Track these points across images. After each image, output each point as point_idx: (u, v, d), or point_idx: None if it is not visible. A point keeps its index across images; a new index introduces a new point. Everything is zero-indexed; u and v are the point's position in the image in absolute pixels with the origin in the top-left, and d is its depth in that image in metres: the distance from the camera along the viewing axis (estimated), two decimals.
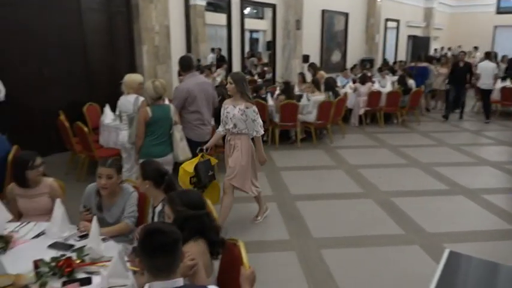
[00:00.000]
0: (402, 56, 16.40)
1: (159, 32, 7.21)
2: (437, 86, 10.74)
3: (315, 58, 11.31)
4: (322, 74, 8.77)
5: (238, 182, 3.84)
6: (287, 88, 7.29)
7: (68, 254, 2.17)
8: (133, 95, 4.50)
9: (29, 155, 2.84)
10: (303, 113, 7.20)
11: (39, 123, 6.01)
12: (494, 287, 1.98)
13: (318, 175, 5.77)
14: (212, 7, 9.08)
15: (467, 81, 9.33)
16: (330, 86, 7.79)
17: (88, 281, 1.98)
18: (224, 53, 9.70)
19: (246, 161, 3.82)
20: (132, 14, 7.13)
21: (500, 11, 20.16)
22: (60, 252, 2.19)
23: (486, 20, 20.05)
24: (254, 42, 12.41)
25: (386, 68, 11.39)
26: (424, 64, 10.63)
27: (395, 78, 10.11)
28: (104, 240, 2.34)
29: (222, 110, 3.85)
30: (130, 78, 4.64)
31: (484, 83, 9.35)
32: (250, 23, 10.58)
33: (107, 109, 5.79)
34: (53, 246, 2.31)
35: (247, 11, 9.78)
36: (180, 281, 1.59)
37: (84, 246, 2.22)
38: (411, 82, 9.38)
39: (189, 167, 3.72)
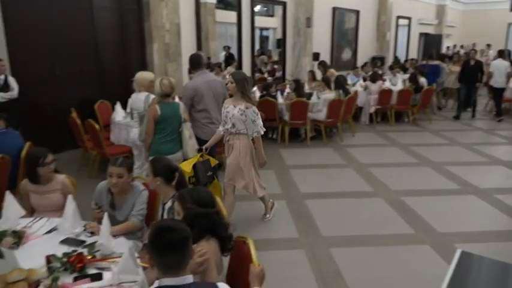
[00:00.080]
0: (414, 54, 16.23)
1: (170, 30, 7.24)
2: (449, 84, 10.61)
3: (325, 56, 11.26)
4: (332, 72, 8.72)
5: (239, 183, 3.79)
6: (297, 86, 7.29)
7: (79, 249, 2.19)
8: (144, 92, 4.52)
9: (41, 151, 2.87)
10: (313, 111, 7.18)
11: (51, 121, 6.09)
12: (506, 287, 1.96)
13: (328, 173, 5.75)
14: (222, 5, 9.08)
15: (478, 79, 9.21)
16: (340, 84, 7.75)
17: (99, 276, 2.00)
18: (234, 50, 9.70)
19: (245, 161, 3.74)
20: (143, 12, 7.17)
21: None
22: (72, 248, 2.22)
23: (500, 18, 19.71)
24: (264, 40, 12.39)
25: (398, 66, 11.28)
26: (436, 62, 10.51)
27: (407, 76, 10.02)
28: (114, 236, 2.36)
29: (223, 109, 3.79)
30: (142, 76, 4.67)
31: (496, 81, 9.22)
32: (261, 21, 10.57)
33: (118, 106, 5.85)
34: (65, 241, 2.34)
35: (257, 8, 9.77)
36: (189, 278, 1.60)
37: (95, 242, 2.24)
38: (423, 80, 9.29)
39: (187, 167, 3.66)
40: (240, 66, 9.28)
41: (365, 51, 13.39)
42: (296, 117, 6.96)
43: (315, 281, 3.18)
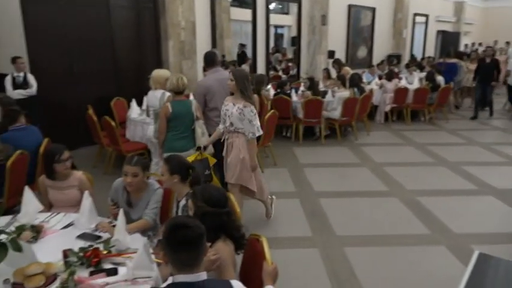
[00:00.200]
0: (431, 51, 15.97)
1: (185, 27, 7.28)
2: (467, 83, 10.42)
3: (340, 54, 11.17)
4: (348, 70, 8.66)
5: (243, 179, 3.67)
6: (312, 84, 7.26)
7: (95, 244, 2.22)
8: (160, 90, 4.56)
9: (57, 148, 2.90)
10: (328, 109, 7.14)
11: (68, 117, 6.19)
12: None
13: (342, 172, 5.71)
14: (237, 2, 9.09)
15: (494, 78, 9.00)
16: (355, 82, 7.68)
17: (114, 271, 2.03)
18: (249, 48, 9.70)
19: (247, 158, 3.63)
20: (158, 10, 7.22)
21: None
22: (88, 243, 2.25)
23: None
24: (279, 37, 12.35)
25: (414, 64, 11.13)
26: (454, 60, 10.33)
27: (423, 74, 9.87)
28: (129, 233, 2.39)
29: (223, 106, 3.72)
30: (158, 73, 4.70)
31: None
32: (275, 19, 10.53)
33: (134, 104, 5.91)
34: (81, 236, 2.38)
35: (272, 6, 9.74)
36: (203, 275, 1.61)
37: (111, 237, 2.27)
38: (440, 79, 9.14)
39: None
40: (254, 64, 9.28)
41: (381, 49, 13.23)
42: (310, 115, 6.92)
43: (328, 280, 3.17)
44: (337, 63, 9.12)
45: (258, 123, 3.63)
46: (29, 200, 2.61)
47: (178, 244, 1.58)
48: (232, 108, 3.58)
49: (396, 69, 10.26)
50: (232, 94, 3.70)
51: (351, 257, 3.47)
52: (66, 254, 2.08)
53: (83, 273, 1.98)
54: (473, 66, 10.23)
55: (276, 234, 3.81)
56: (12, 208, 3.36)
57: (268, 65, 9.81)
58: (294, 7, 10.39)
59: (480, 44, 18.41)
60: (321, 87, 7.92)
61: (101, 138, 5.48)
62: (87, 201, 2.59)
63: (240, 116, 3.53)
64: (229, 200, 2.27)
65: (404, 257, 3.51)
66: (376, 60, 12.46)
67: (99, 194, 3.00)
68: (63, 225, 2.55)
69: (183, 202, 2.58)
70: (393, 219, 4.23)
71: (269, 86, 7.88)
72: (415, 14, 14.54)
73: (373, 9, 12.60)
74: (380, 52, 13.15)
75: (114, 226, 2.38)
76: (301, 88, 7.86)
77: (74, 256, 2.06)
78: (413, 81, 9.35)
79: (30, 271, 1.87)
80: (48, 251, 2.14)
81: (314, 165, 5.96)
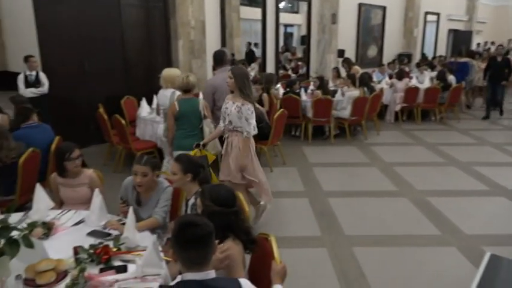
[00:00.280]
0: (442, 50, 15.81)
1: (195, 26, 7.30)
2: (479, 82, 10.29)
3: (350, 53, 11.11)
4: (357, 69, 8.60)
5: (249, 173, 3.65)
6: (321, 83, 7.24)
7: (105, 242, 2.24)
8: (170, 89, 4.58)
9: (68, 146, 2.92)
10: (337, 108, 7.11)
11: (79, 115, 6.25)
12: None
13: (352, 172, 5.69)
14: (247, 1, 9.09)
15: (505, 77, 8.87)
16: (365, 81, 7.64)
17: (124, 268, 2.04)
18: (258, 47, 9.69)
19: (247, 157, 3.62)
20: (168, 10, 7.25)
21: None
22: (98, 240, 2.27)
23: None
24: (288, 36, 12.33)
25: (425, 63, 11.02)
26: (465, 59, 10.20)
27: (434, 73, 9.77)
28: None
29: (223, 104, 3.72)
30: (168, 72, 4.73)
31: None
32: (285, 17, 10.51)
33: (144, 102, 5.94)
34: (92, 234, 2.40)
35: (282, 5, 9.72)
36: (212, 273, 1.61)
37: (121, 235, 2.29)
38: (451, 78, 9.03)
39: None
40: (264, 63, 9.27)
41: (391, 48, 13.13)
42: (320, 114, 6.90)
43: (337, 280, 3.16)
44: (347, 62, 9.07)
45: (255, 123, 3.60)
46: (41, 197, 2.65)
47: (187, 242, 1.58)
48: (231, 106, 3.57)
49: (407, 69, 10.16)
50: (232, 92, 3.70)
51: (360, 257, 3.46)
52: (76, 250, 2.11)
53: (93, 270, 2.00)
54: (484, 65, 10.10)
55: (285, 234, 3.80)
56: (24, 205, 3.42)
57: (278, 64, 9.80)
58: (303, 6, 10.36)
59: (492, 43, 18.18)
60: (331, 86, 7.89)
61: (111, 137, 5.53)
62: (97, 198, 2.61)
63: (239, 114, 3.52)
64: (238, 199, 2.26)
65: (413, 258, 3.48)
66: (386, 59, 12.36)
67: (109, 191, 3.02)
68: (74, 222, 2.58)
69: (192, 201, 2.58)
70: (403, 220, 4.20)
71: (278, 85, 7.88)
72: (427, 13, 14.39)
73: (384, 8, 12.51)
74: (390, 51, 13.05)
75: (123, 224, 2.39)
76: (311, 87, 7.83)
77: (84, 253, 2.09)
78: (424, 80, 9.26)
79: (42, 267, 1.89)
80: (59, 248, 2.16)
81: (323, 164, 5.94)
